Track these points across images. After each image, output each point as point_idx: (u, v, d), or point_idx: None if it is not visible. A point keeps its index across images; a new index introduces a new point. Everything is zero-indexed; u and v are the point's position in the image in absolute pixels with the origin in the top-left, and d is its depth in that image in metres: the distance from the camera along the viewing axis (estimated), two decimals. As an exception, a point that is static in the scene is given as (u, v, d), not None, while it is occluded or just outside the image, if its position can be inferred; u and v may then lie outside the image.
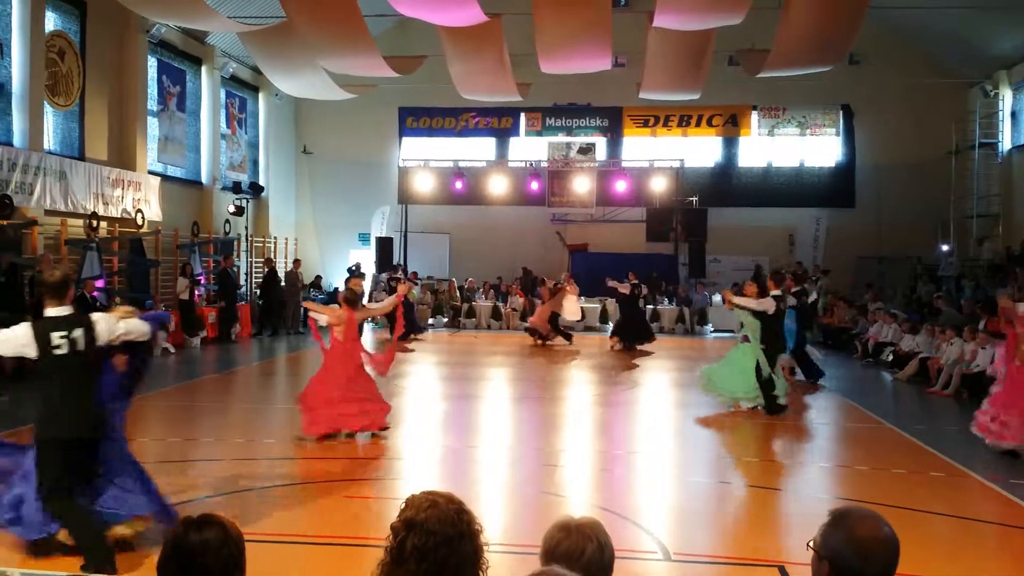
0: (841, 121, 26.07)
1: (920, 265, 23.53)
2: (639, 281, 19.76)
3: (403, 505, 2.37)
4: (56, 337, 5.27)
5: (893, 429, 10.47)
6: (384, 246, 24.74)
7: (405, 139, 27.35)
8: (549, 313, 19.75)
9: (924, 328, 15.66)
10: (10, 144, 15.60)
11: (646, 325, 19.88)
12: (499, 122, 26.85)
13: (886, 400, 13.64)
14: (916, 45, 24.23)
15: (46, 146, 16.62)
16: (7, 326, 5.33)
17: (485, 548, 2.37)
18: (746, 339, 11.60)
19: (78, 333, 5.32)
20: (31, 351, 5.30)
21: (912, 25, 22.95)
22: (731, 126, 26.27)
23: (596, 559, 2.35)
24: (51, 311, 5.38)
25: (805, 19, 13.89)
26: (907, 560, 2.29)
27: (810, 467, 8.91)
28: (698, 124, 26.23)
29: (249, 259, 23.76)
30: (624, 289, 19.04)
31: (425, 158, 26.17)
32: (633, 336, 18.99)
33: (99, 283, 16.71)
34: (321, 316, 9.79)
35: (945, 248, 23.52)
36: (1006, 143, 22.93)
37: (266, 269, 22.40)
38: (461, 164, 25.66)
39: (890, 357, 16.07)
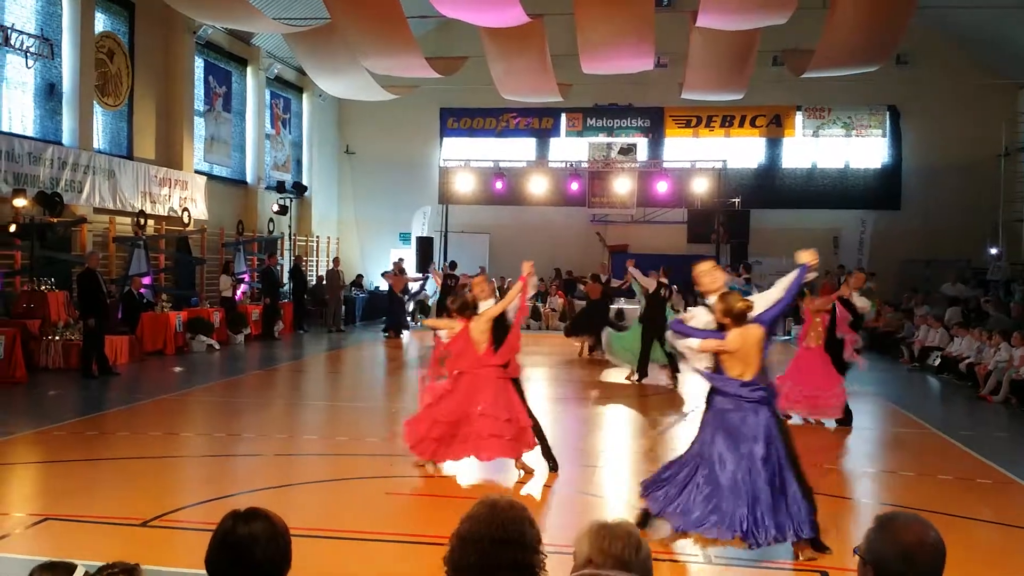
0: (888, 122, 25.67)
1: (969, 269, 23.09)
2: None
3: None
4: None
5: (939, 435, 10.28)
6: (424, 246, 24.86)
7: (446, 139, 27.46)
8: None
9: (971, 332, 15.36)
10: (60, 143, 15.93)
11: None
12: (540, 122, 26.85)
13: (933, 405, 13.41)
14: (964, 45, 23.77)
15: (95, 145, 16.95)
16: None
17: (543, 557, 2.32)
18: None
19: None
20: None
21: (960, 25, 22.52)
22: (775, 127, 26.01)
23: (649, 553, 2.33)
24: None
25: (852, 19, 13.71)
26: (952, 567, 2.25)
27: (855, 472, 8.79)
28: (741, 125, 26.00)
29: (292, 258, 24.01)
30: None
31: (466, 158, 26.22)
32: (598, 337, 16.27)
33: (146, 280, 17.01)
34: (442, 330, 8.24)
35: (994, 251, 23.06)
36: (1057, 145, 22.45)
37: (292, 266, 22.69)
38: (501, 164, 25.67)
39: (937, 361, 15.80)
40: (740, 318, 5.60)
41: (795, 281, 5.87)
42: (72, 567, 2.38)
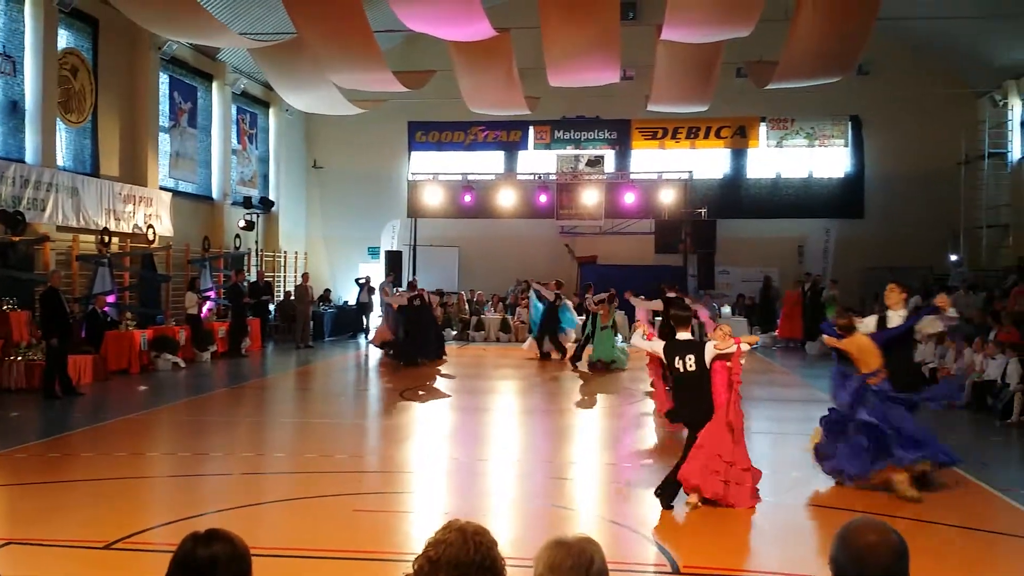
0: (850, 132, 26.04)
1: (931, 275, 23.43)
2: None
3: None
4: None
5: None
6: (393, 259, 24.81)
7: (414, 153, 27.44)
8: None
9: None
10: (23, 161, 15.72)
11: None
12: (508, 135, 26.91)
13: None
14: (925, 55, 24.20)
15: (58, 163, 16.73)
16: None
17: None
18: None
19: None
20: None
21: (921, 35, 22.94)
22: (739, 137, 26.28)
23: (603, 569, 2.35)
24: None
25: (813, 31, 13.90)
26: (919, 572, 2.28)
27: (821, 479, 8.84)
28: (706, 136, 26.23)
29: (259, 273, 23.83)
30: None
31: (434, 172, 26.23)
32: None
33: (110, 298, 16.80)
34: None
35: (954, 258, 23.43)
36: (1015, 153, 22.88)
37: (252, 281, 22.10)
38: (470, 177, 25.71)
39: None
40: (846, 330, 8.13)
41: (912, 319, 8.39)
42: None
